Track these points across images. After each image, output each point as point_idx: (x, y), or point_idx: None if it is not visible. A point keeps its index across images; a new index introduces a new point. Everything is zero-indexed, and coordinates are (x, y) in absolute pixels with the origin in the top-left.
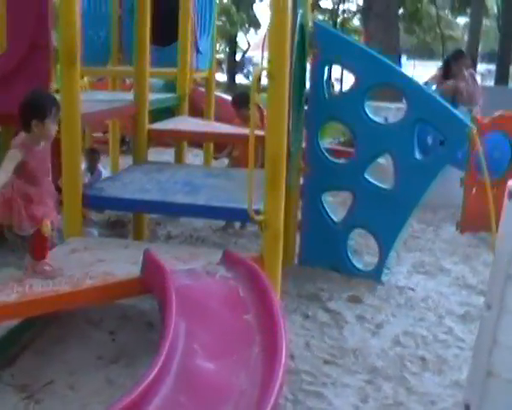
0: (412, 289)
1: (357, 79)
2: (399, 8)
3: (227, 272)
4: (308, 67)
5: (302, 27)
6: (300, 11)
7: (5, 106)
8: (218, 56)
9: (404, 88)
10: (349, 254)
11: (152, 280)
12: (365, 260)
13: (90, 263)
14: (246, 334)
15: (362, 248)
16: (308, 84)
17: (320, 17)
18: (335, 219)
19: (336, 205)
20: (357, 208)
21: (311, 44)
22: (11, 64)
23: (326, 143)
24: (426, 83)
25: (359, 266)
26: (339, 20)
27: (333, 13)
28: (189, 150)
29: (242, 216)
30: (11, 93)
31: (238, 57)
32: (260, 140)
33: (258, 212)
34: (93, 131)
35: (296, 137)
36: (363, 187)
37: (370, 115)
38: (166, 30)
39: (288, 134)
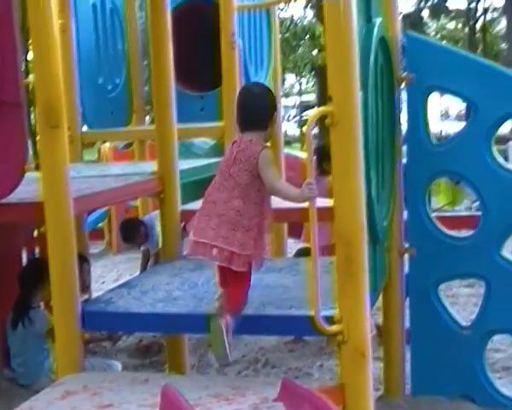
0: None
1: (476, 110)
2: None
3: None
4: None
5: (384, 43)
6: (378, 20)
7: None
8: (304, 99)
9: None
10: (488, 375)
11: None
12: None
13: None
14: None
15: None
16: (404, 126)
17: (450, 25)
18: (462, 321)
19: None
20: (494, 303)
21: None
22: None
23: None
24: None
25: (507, 392)
26: (479, 24)
27: (469, 15)
28: None
29: (309, 328)
30: None
31: None
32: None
33: (330, 320)
34: (120, 217)
35: (388, 205)
36: (501, 271)
37: (502, 163)
38: (212, 69)
39: (368, 201)
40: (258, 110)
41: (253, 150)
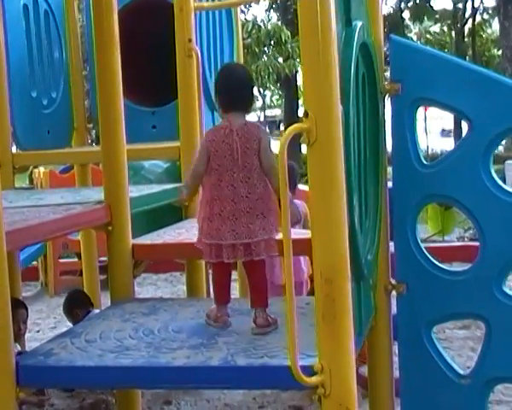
0: None
1: (472, 126)
2: None
3: None
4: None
5: (366, 49)
6: (359, 23)
7: None
8: (270, 113)
9: None
10: None
11: None
12: None
13: None
14: None
15: None
16: (389, 143)
17: (434, 28)
18: (459, 369)
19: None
20: (497, 348)
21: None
22: None
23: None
24: None
25: None
26: (467, 27)
27: (456, 17)
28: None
29: (286, 379)
30: None
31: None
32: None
33: (310, 370)
34: (58, 253)
35: (373, 236)
36: (503, 310)
37: (502, 185)
38: (165, 80)
39: (351, 232)
40: (244, 88)
41: (253, 133)
